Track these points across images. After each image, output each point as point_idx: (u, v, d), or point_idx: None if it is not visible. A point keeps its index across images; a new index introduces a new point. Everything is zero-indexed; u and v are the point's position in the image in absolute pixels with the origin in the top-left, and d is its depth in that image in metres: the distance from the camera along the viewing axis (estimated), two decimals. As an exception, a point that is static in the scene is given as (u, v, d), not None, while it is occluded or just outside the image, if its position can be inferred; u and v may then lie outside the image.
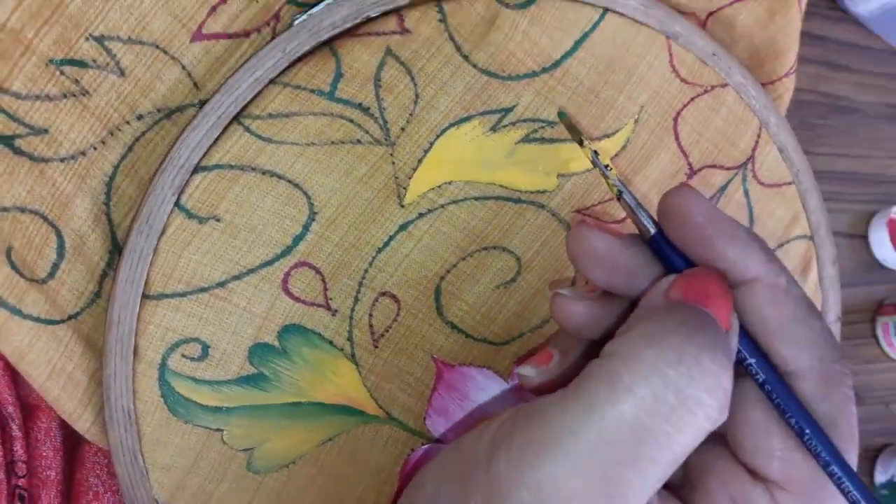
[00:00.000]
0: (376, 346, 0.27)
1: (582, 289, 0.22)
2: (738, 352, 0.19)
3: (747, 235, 0.19)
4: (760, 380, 0.19)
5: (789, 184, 0.32)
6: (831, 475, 0.19)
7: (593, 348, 0.23)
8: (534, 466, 0.17)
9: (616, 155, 0.28)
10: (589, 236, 0.21)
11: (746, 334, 0.19)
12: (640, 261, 0.20)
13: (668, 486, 0.21)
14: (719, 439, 0.21)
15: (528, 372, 0.23)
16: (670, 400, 0.17)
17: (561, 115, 0.23)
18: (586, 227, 0.21)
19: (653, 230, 0.20)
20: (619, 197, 0.21)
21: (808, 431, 0.18)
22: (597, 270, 0.21)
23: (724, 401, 0.17)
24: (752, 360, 0.19)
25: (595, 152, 0.21)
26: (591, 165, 0.28)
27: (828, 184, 0.41)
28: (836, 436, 0.19)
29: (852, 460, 0.19)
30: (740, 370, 0.20)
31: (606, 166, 0.21)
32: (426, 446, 0.29)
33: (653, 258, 0.21)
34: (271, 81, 0.24)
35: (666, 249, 0.20)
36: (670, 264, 0.20)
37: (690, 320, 0.18)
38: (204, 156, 0.24)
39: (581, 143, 0.22)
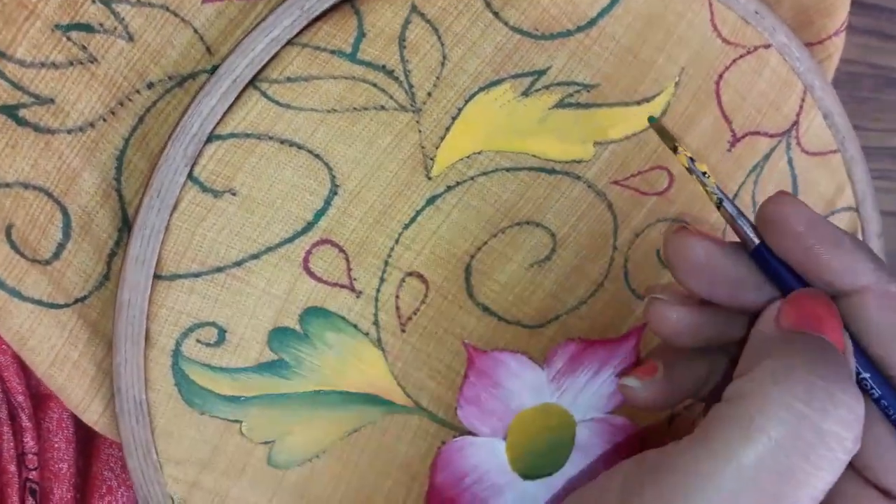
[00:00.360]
0: (403, 331, 0.25)
1: (679, 293, 0.21)
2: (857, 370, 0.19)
3: (852, 243, 0.19)
4: (875, 396, 0.19)
5: (834, 152, 0.30)
6: None
7: (696, 362, 0.23)
8: None
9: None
10: (690, 243, 0.20)
11: (857, 347, 0.19)
12: (742, 272, 0.20)
13: None
14: (851, 464, 0.20)
15: (633, 384, 0.22)
16: (808, 437, 0.16)
17: (651, 119, 0.23)
18: (687, 233, 0.20)
19: (756, 241, 0.20)
20: (720, 206, 0.20)
21: None
22: (697, 280, 0.20)
23: (860, 430, 0.17)
24: (866, 375, 0.19)
25: (692, 159, 0.21)
26: (630, 132, 0.26)
27: (880, 161, 0.39)
28: None
29: None
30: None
31: (704, 174, 0.20)
32: (459, 439, 0.27)
33: (755, 269, 0.20)
34: (289, 42, 0.23)
35: (771, 261, 0.20)
36: (775, 276, 0.20)
37: (812, 351, 0.17)
38: (218, 123, 0.22)
39: (675, 150, 0.21)
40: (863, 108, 0.39)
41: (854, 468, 0.20)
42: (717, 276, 0.20)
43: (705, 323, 0.21)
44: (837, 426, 0.16)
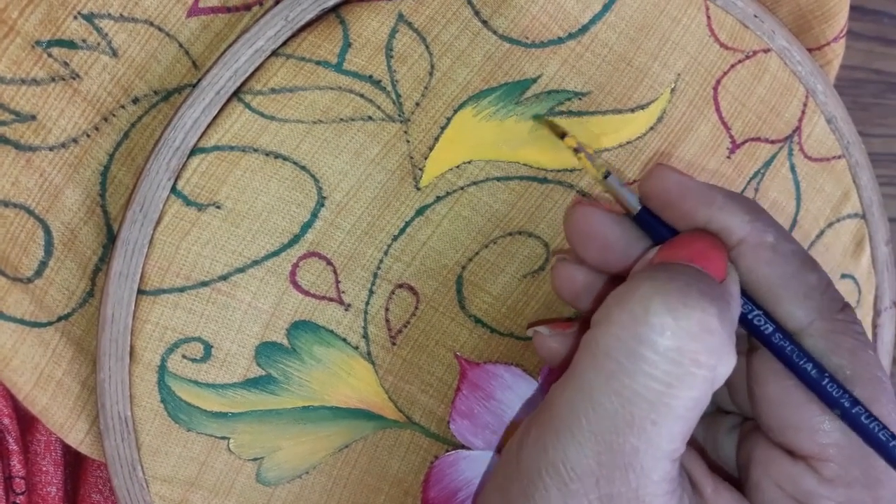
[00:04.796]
0: (394, 344, 0.25)
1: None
2: (744, 310, 0.19)
3: (724, 198, 0.19)
4: (767, 332, 0.18)
5: (839, 157, 0.29)
6: (859, 427, 0.17)
7: None
8: (548, 450, 0.17)
9: (651, 128, 0.26)
10: (584, 213, 0.21)
11: (746, 297, 0.19)
12: (631, 238, 0.21)
13: (733, 481, 0.20)
14: (759, 428, 0.20)
15: (544, 331, 0.23)
16: (649, 356, 0.16)
17: (536, 117, 0.24)
18: (581, 205, 0.21)
19: (638, 207, 0.21)
20: (606, 177, 0.21)
21: (823, 384, 0.18)
22: (591, 247, 0.21)
23: (715, 343, 0.16)
24: (758, 312, 0.19)
25: (579, 143, 0.22)
26: (624, 140, 0.26)
27: (885, 167, 0.39)
28: (857, 385, 0.18)
29: (889, 408, 0.18)
30: (752, 344, 0.20)
31: (590, 153, 0.22)
32: (452, 453, 0.26)
33: (644, 236, 0.21)
34: (273, 53, 0.22)
35: (653, 224, 0.20)
36: (659, 238, 0.20)
37: (659, 274, 0.17)
38: (202, 136, 0.22)
39: (562, 137, 0.23)
40: (866, 114, 0.38)
41: (759, 431, 0.20)
42: (608, 243, 0.21)
43: (602, 287, 0.22)
44: (680, 340, 0.16)
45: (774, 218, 0.20)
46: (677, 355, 0.16)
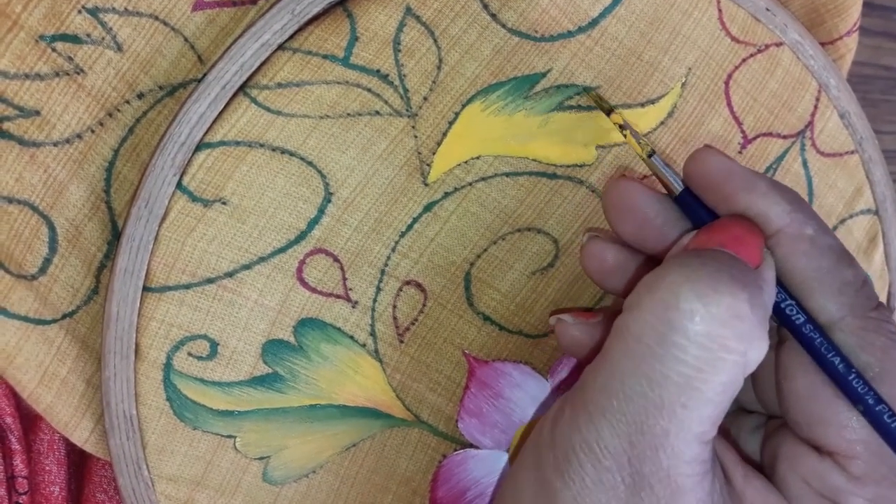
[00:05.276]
0: (402, 341, 0.25)
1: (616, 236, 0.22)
2: (776, 298, 0.18)
3: (767, 185, 0.19)
4: (798, 322, 0.18)
5: (852, 152, 0.29)
6: (882, 426, 0.17)
7: None
8: (582, 430, 0.17)
9: (662, 123, 0.25)
10: (625, 188, 0.21)
11: (780, 285, 0.19)
12: (670, 217, 0.20)
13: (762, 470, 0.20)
14: (785, 425, 0.20)
15: (567, 319, 0.22)
16: (679, 341, 0.16)
17: (587, 89, 0.23)
18: (623, 180, 0.21)
19: (680, 188, 0.20)
20: (650, 156, 0.21)
21: (849, 379, 0.17)
22: (627, 223, 0.21)
23: (745, 328, 0.16)
24: (790, 302, 0.18)
25: (625, 120, 0.22)
26: (634, 135, 0.25)
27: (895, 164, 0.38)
28: (885, 383, 0.18)
29: None
30: (781, 336, 0.20)
31: (638, 135, 0.22)
32: (460, 452, 0.26)
33: (683, 217, 0.20)
34: (280, 47, 0.22)
35: (694, 206, 0.20)
36: (698, 221, 0.20)
37: (691, 260, 0.17)
38: (207, 131, 0.22)
39: (609, 113, 0.22)
40: (876, 110, 0.38)
41: (786, 427, 0.20)
42: (647, 220, 0.20)
43: (635, 270, 0.21)
44: (710, 325, 0.16)
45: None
46: (707, 340, 0.16)
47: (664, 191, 0.21)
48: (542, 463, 0.18)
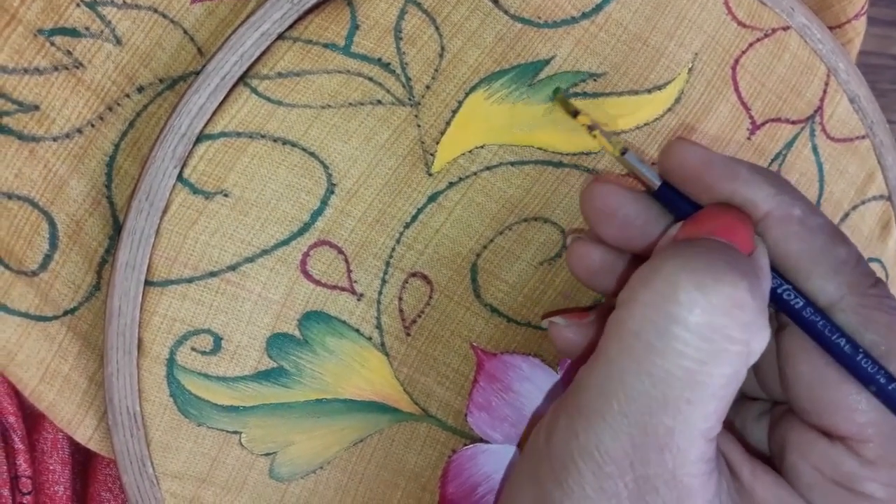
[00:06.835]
0: (408, 334, 0.24)
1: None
2: (773, 285, 0.18)
3: (749, 172, 0.19)
4: (798, 306, 0.18)
5: (863, 137, 0.28)
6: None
7: None
8: (580, 436, 0.17)
9: (669, 109, 0.25)
10: (602, 191, 0.20)
11: (775, 271, 0.18)
12: (651, 214, 0.20)
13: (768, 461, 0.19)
14: (791, 411, 0.19)
15: (560, 321, 0.22)
16: (680, 334, 0.16)
17: (555, 91, 0.23)
18: (598, 183, 0.21)
19: (658, 182, 0.20)
20: (623, 154, 0.21)
21: (858, 360, 0.17)
22: (608, 226, 0.20)
23: (747, 317, 0.16)
24: (787, 287, 0.18)
25: (593, 120, 0.22)
26: (641, 122, 0.25)
27: (906, 152, 0.38)
28: (893, 361, 0.17)
29: None
30: (781, 322, 0.19)
31: (608, 133, 0.21)
32: (470, 447, 0.25)
33: (665, 212, 0.20)
34: (280, 36, 0.22)
35: (675, 199, 0.20)
36: (681, 214, 0.20)
37: (684, 250, 0.17)
38: (208, 122, 0.22)
39: (575, 116, 0.22)
40: (884, 100, 0.37)
41: (792, 414, 0.19)
42: (627, 220, 0.20)
43: (622, 269, 0.21)
44: (711, 315, 0.16)
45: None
46: (709, 332, 0.15)
47: (643, 188, 0.21)
48: (538, 474, 0.18)
